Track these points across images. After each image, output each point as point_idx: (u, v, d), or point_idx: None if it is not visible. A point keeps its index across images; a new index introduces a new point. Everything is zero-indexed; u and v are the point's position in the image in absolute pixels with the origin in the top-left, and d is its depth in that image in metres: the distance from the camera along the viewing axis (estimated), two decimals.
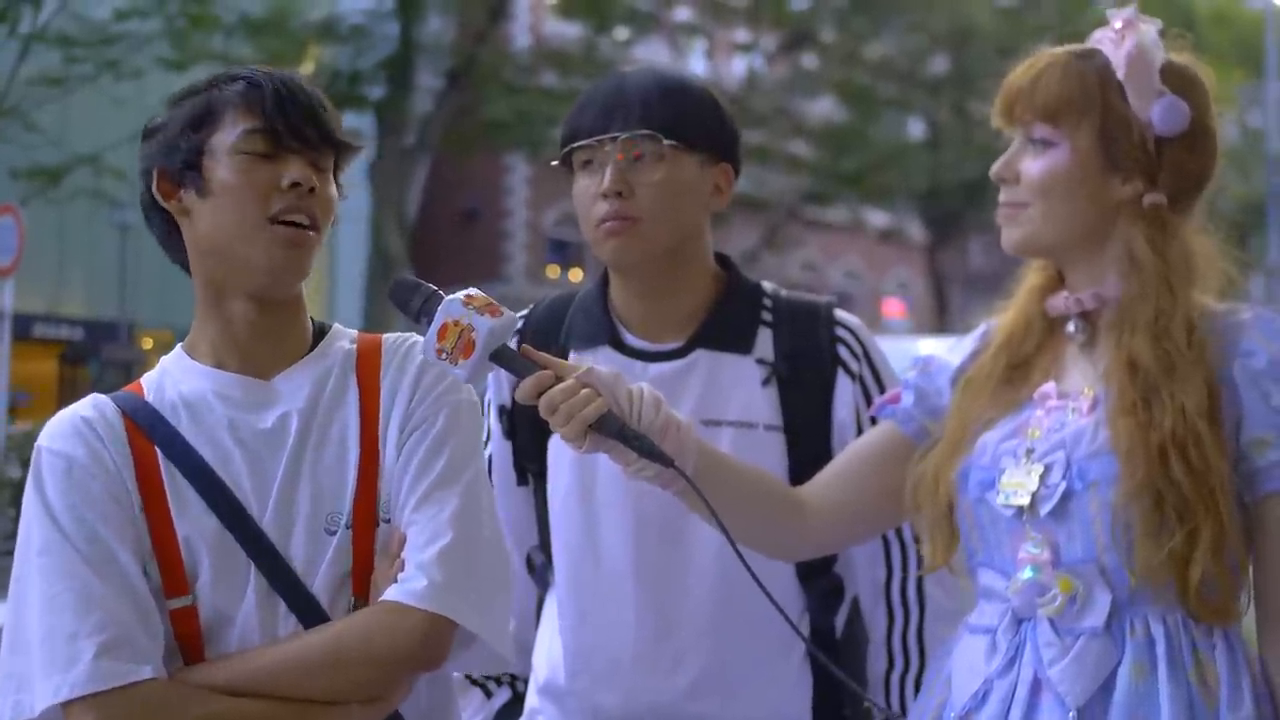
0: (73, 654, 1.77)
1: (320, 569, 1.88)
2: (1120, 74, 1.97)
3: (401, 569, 1.85)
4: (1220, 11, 30.67)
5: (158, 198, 1.97)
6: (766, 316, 2.44)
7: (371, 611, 1.84)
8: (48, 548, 1.84)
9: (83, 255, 26.40)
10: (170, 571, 1.87)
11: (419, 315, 1.91)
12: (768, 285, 2.50)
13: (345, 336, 2.04)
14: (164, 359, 2.03)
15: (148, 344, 28.46)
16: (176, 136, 1.96)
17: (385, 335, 2.03)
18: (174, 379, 1.98)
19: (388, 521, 1.91)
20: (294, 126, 1.92)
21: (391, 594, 1.83)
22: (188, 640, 1.87)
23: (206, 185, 1.93)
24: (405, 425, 1.94)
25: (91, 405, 1.96)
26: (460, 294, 1.90)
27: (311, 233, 1.92)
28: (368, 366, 1.99)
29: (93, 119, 20.22)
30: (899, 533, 2.40)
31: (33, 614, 1.81)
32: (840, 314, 2.47)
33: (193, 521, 1.88)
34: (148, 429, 1.92)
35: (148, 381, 2.00)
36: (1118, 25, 2.00)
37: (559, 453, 2.40)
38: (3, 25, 15.87)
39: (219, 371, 1.96)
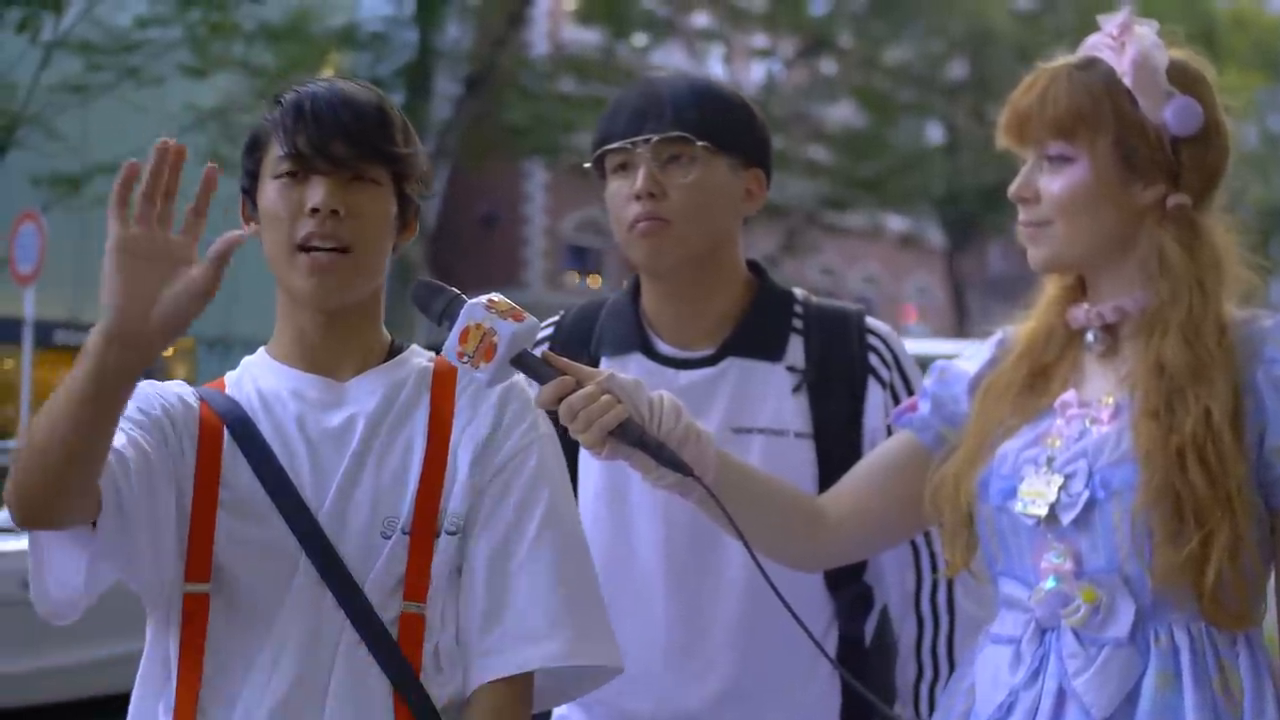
0: None
1: (372, 571, 1.90)
2: (1128, 81, 1.96)
3: None
4: (1240, 16, 30.54)
5: (243, 225, 2.03)
6: (797, 324, 2.44)
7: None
8: None
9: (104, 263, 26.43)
10: (197, 555, 1.90)
11: (441, 318, 1.93)
12: (799, 292, 2.50)
13: (423, 355, 2.06)
14: (246, 359, 2.08)
15: (168, 351, 28.53)
16: (242, 163, 2.02)
17: None
18: (253, 375, 2.03)
19: (451, 534, 1.92)
20: (319, 147, 1.92)
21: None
22: (192, 628, 1.89)
23: (259, 210, 1.98)
24: (489, 451, 1.95)
25: (172, 382, 2.04)
26: (483, 298, 1.91)
27: (341, 254, 1.93)
28: (443, 384, 2.01)
29: (114, 126, 20.25)
30: (929, 541, 2.39)
31: None
32: (871, 321, 2.47)
33: (245, 503, 1.90)
34: (220, 411, 1.97)
35: (229, 377, 2.06)
36: (1114, 31, 2.00)
37: (590, 457, 2.41)
38: (24, 33, 15.92)
39: (295, 370, 2.00)
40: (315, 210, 1.92)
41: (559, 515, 1.96)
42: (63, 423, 1.70)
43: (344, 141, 1.93)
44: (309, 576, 1.89)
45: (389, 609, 1.89)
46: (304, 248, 1.93)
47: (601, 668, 1.96)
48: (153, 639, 1.96)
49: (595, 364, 2.40)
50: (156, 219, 1.69)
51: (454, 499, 1.93)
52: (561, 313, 2.56)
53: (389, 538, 1.90)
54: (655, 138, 2.34)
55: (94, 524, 1.82)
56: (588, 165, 2.44)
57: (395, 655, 1.88)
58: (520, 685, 1.91)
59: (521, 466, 1.96)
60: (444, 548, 1.92)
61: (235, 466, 1.93)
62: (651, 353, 2.42)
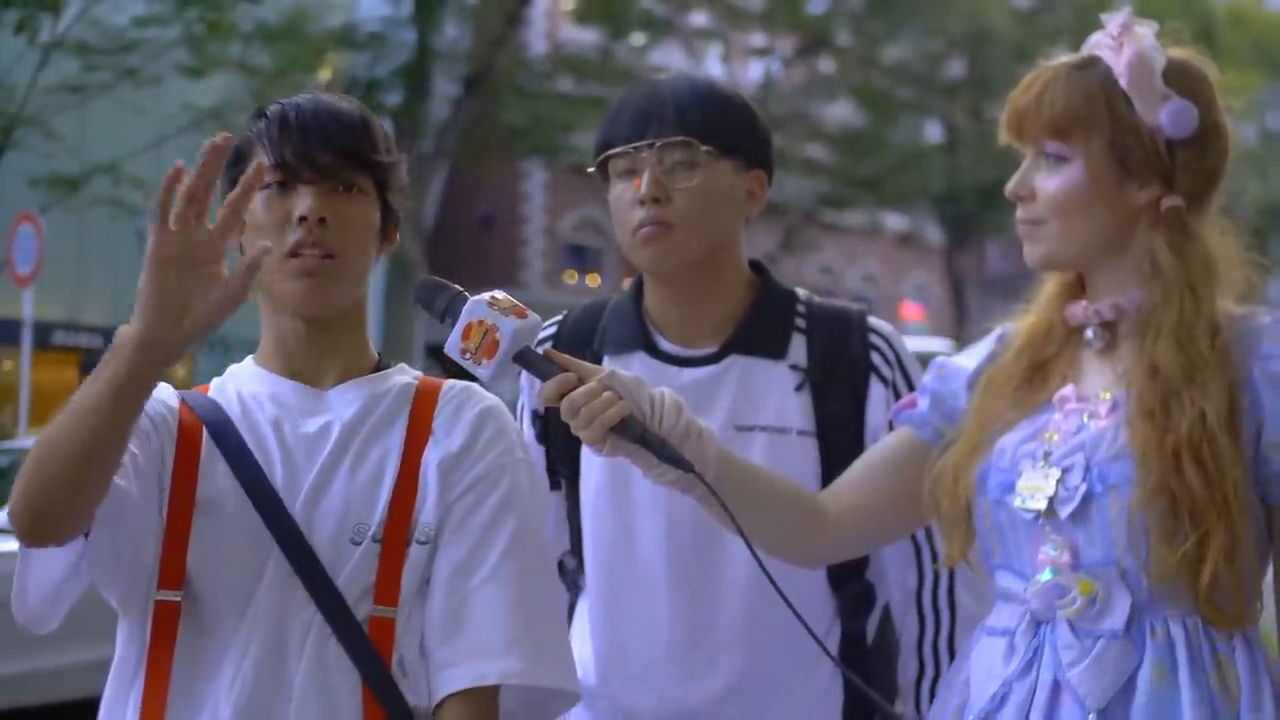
0: None
1: (341, 575, 1.90)
2: (1124, 82, 1.96)
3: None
4: (1238, 13, 30.53)
5: None
6: (800, 323, 2.45)
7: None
8: None
9: (102, 263, 26.44)
10: (171, 562, 1.91)
11: (444, 315, 1.94)
12: (801, 291, 2.51)
13: (408, 373, 2.07)
14: (232, 366, 2.10)
15: None
16: (223, 177, 2.01)
17: (447, 380, 2.06)
18: (237, 380, 2.05)
19: (423, 544, 1.93)
20: (304, 156, 1.94)
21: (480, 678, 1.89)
22: (161, 633, 1.90)
23: (244, 223, 1.97)
24: (460, 466, 1.96)
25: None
26: (485, 295, 1.93)
27: (328, 260, 1.94)
28: (424, 402, 2.01)
29: (112, 127, 20.26)
30: (930, 539, 2.40)
31: None
32: (873, 320, 2.48)
33: (220, 502, 1.91)
34: (198, 409, 1.98)
35: (214, 383, 2.07)
36: (1114, 31, 2.00)
37: (592, 454, 2.41)
38: (22, 34, 15.91)
39: (277, 376, 2.01)
40: (303, 219, 1.93)
41: (525, 540, 1.96)
42: (80, 433, 1.70)
43: (329, 151, 1.95)
44: (279, 573, 1.89)
45: (358, 612, 1.90)
46: (293, 256, 1.94)
47: (560, 692, 1.96)
48: (124, 642, 1.96)
49: (598, 363, 2.40)
50: (195, 218, 1.69)
51: (426, 510, 1.94)
52: (564, 312, 2.57)
53: (358, 544, 1.91)
54: (659, 142, 2.34)
55: (86, 533, 1.83)
56: (591, 169, 2.45)
57: (367, 650, 1.88)
58: (485, 701, 1.91)
59: (493, 487, 1.96)
60: (415, 557, 1.93)
61: (212, 466, 1.94)
62: (655, 351, 2.43)
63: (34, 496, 1.74)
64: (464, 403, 2.01)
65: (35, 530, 1.77)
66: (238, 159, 2.00)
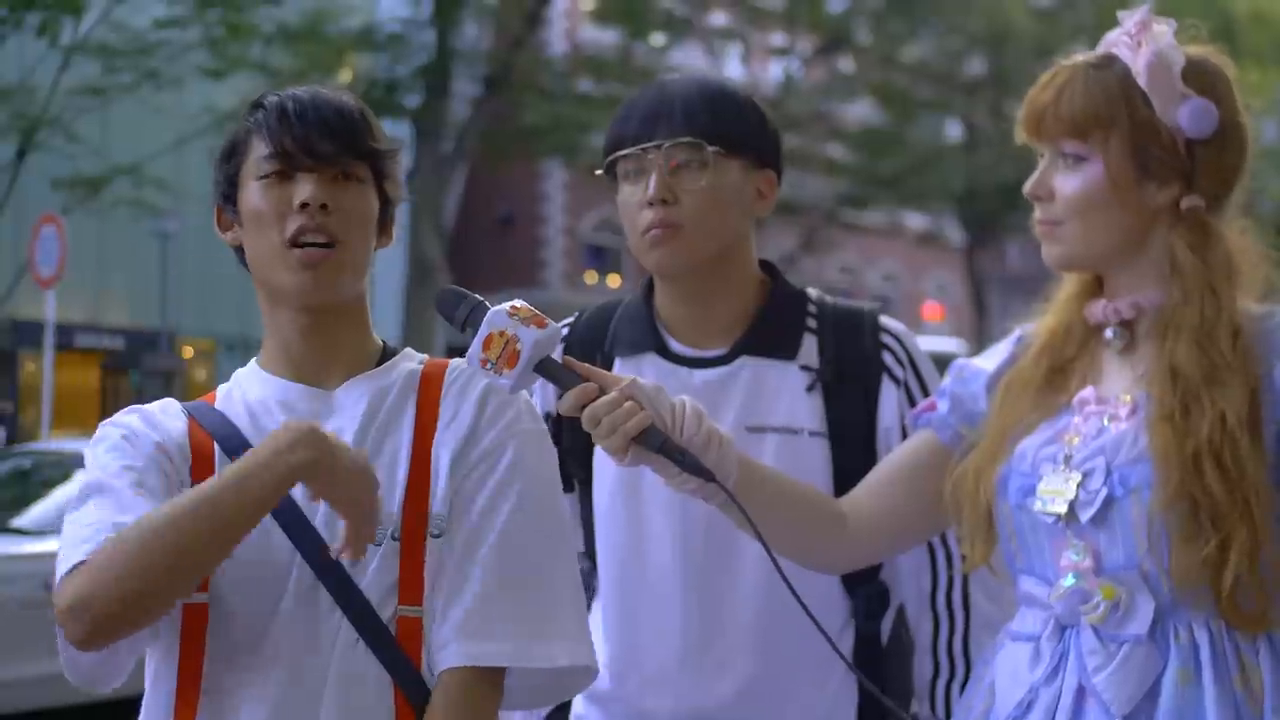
0: (87, 535, 1.81)
1: (364, 577, 1.89)
2: (1142, 82, 1.94)
3: None
4: (1259, 11, 30.34)
5: (219, 233, 2.03)
6: (811, 323, 2.44)
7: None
8: (89, 488, 1.88)
9: (124, 265, 26.55)
10: None
11: (464, 325, 1.93)
12: (812, 291, 2.50)
13: (414, 359, 2.05)
14: (237, 371, 2.08)
15: (188, 353, 28.61)
16: (218, 171, 2.02)
17: (452, 360, 2.05)
18: (243, 387, 2.03)
19: (437, 536, 1.92)
20: (304, 144, 1.93)
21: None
22: (191, 638, 1.90)
23: (240, 214, 1.98)
24: (467, 449, 1.94)
25: (157, 404, 2.03)
26: (506, 305, 1.92)
27: (331, 248, 1.93)
28: (429, 388, 2.00)
29: (133, 128, 20.34)
30: (945, 541, 2.39)
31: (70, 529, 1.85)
32: (885, 320, 2.47)
33: None
34: (208, 425, 1.97)
35: (220, 390, 2.06)
36: (1132, 30, 1.98)
37: (605, 456, 2.41)
38: (44, 37, 15.97)
39: (282, 380, 2.00)
40: (304, 205, 1.91)
41: (530, 511, 1.94)
42: (228, 529, 1.76)
43: (328, 139, 1.94)
44: (303, 581, 1.89)
45: (383, 612, 1.89)
46: (295, 244, 1.92)
47: (577, 668, 1.93)
48: (155, 671, 1.95)
49: (609, 365, 2.41)
50: None
51: (437, 501, 1.93)
52: (577, 314, 2.57)
53: (379, 544, 1.89)
54: (667, 143, 2.33)
55: None
56: (600, 171, 2.44)
57: (395, 652, 1.88)
58: (479, 678, 1.88)
59: (496, 462, 1.94)
60: (433, 550, 1.92)
61: None
62: (666, 352, 2.43)
63: (126, 591, 1.74)
64: (468, 383, 1.99)
65: (111, 627, 1.77)
66: (231, 153, 1.99)
